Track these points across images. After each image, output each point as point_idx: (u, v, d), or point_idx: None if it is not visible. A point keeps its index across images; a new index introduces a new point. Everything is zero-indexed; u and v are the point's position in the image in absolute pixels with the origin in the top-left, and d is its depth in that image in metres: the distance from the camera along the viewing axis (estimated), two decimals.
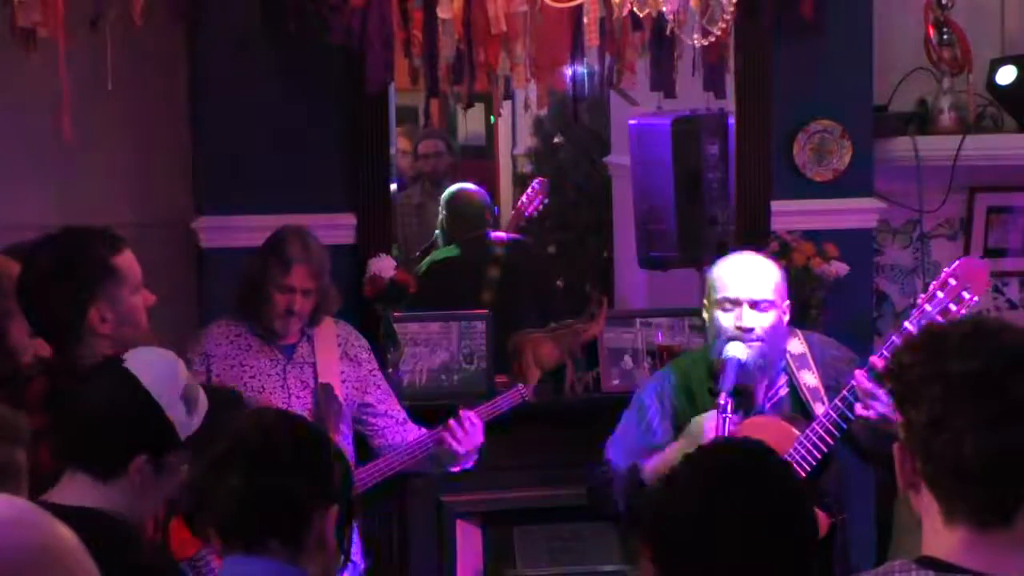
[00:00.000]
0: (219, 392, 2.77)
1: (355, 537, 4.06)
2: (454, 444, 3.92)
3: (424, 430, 4.05)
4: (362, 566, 4.13)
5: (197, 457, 2.30)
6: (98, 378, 2.59)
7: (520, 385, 4.14)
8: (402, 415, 4.13)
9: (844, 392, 3.42)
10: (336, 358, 4.04)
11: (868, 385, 3.33)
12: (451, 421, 3.93)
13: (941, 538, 1.77)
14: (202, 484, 2.23)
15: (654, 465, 3.52)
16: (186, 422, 2.47)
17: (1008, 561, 1.75)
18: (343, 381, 4.04)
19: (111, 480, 2.45)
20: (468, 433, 3.92)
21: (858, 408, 3.37)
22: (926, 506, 1.79)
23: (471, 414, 3.95)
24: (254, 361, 3.98)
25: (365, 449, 4.16)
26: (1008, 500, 1.75)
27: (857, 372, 3.39)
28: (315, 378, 4.00)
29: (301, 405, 3.97)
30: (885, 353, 3.37)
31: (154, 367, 2.51)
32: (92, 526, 2.28)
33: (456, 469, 4.08)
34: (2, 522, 1.32)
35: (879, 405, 3.29)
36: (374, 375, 4.14)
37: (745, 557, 1.97)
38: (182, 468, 2.47)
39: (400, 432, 4.07)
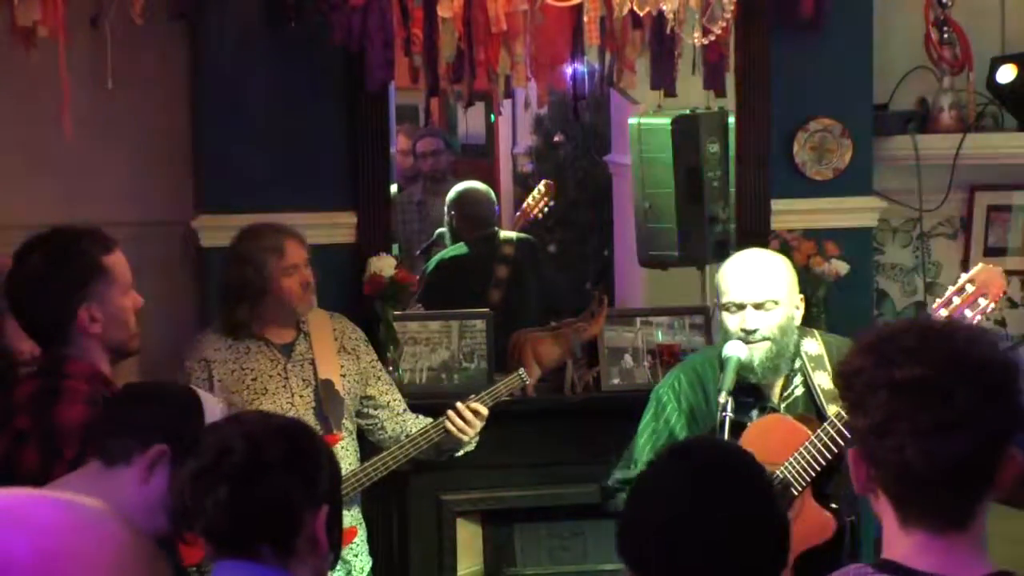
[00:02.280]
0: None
1: (361, 537, 4.06)
2: (458, 434, 3.95)
3: (426, 419, 4.07)
4: (369, 565, 4.13)
5: (179, 467, 2.26)
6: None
7: (520, 370, 4.13)
8: (402, 405, 4.14)
9: None
10: (334, 352, 4.04)
11: None
12: (450, 412, 3.94)
13: (898, 541, 1.77)
14: (188, 496, 2.19)
15: None
16: None
17: (964, 563, 1.75)
18: (343, 375, 4.03)
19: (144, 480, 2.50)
20: (470, 422, 3.95)
21: None
22: (883, 509, 1.79)
23: (475, 405, 3.96)
24: (254, 364, 3.96)
25: (367, 443, 4.16)
26: (959, 504, 1.75)
27: None
28: (315, 375, 3.99)
29: (304, 403, 3.97)
30: None
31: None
32: None
33: (461, 454, 4.11)
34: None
35: None
36: (374, 366, 4.14)
37: (711, 559, 1.95)
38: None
39: (399, 423, 4.08)
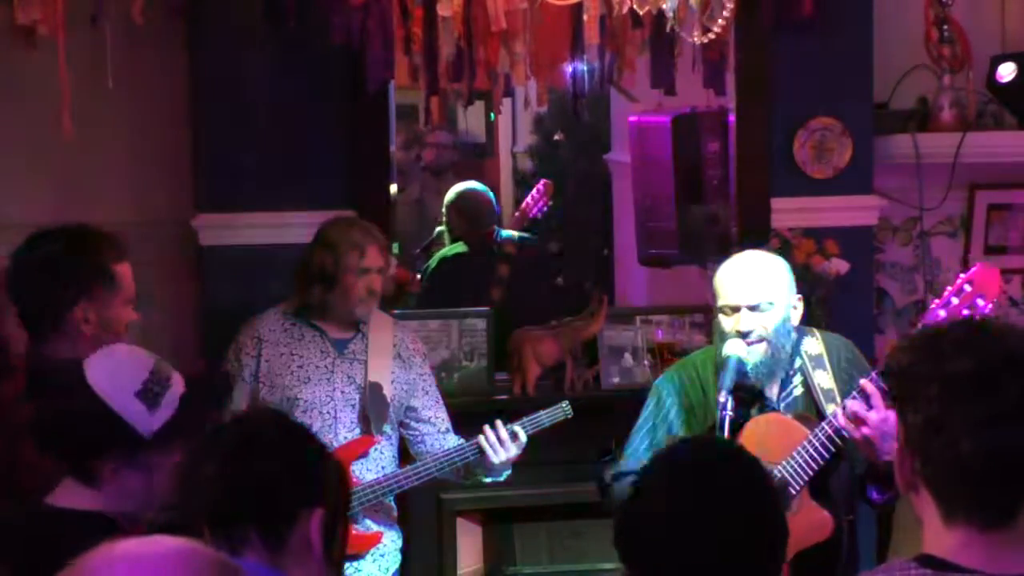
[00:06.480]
0: (204, 382, 2.70)
1: (391, 539, 4.04)
2: (490, 453, 3.88)
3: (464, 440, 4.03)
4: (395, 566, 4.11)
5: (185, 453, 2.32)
6: (55, 383, 2.56)
7: (564, 402, 4.04)
8: (445, 424, 4.10)
9: (846, 400, 3.42)
10: (389, 358, 4.04)
11: (857, 407, 3.35)
12: (486, 427, 3.90)
13: (941, 537, 1.78)
14: (183, 476, 2.25)
15: None
16: (146, 419, 2.39)
17: (1008, 559, 1.76)
18: (392, 382, 4.03)
19: (93, 484, 2.41)
20: (504, 444, 3.89)
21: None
22: (925, 506, 1.80)
23: (513, 427, 3.92)
24: (304, 351, 3.99)
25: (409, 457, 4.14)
26: (1008, 499, 1.76)
27: (847, 401, 3.40)
28: (365, 375, 4.00)
29: (345, 400, 3.97)
30: (875, 377, 3.38)
31: (105, 367, 2.44)
32: (82, 527, 2.29)
33: (489, 480, 4.06)
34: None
35: (865, 428, 3.32)
36: (424, 379, 4.11)
37: (712, 557, 1.95)
38: (170, 465, 2.42)
39: (440, 441, 4.05)
